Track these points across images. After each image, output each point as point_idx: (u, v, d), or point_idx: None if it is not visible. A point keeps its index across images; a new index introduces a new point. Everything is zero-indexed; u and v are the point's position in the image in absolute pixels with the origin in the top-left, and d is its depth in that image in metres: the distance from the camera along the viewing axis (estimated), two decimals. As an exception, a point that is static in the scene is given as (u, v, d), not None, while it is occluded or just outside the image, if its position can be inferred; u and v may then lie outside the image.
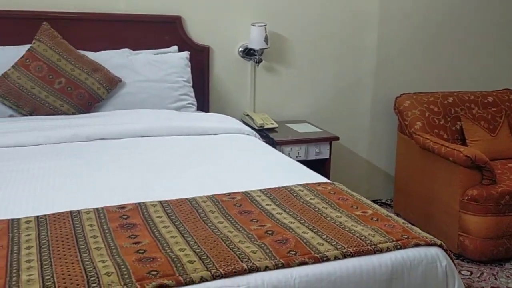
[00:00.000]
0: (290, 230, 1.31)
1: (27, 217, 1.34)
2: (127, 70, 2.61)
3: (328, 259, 1.19)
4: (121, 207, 1.42)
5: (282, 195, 1.55)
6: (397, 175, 3.35)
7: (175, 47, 2.89)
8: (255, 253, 1.18)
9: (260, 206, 1.47)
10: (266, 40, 3.00)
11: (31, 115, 2.38)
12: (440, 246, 1.32)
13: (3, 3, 2.55)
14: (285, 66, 3.21)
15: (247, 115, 3.05)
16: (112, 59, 2.62)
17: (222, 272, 1.11)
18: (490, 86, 3.60)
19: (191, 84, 2.78)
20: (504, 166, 3.04)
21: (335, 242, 1.25)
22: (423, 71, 3.51)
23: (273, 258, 1.17)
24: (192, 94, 2.77)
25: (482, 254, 2.70)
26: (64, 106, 2.42)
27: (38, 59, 2.40)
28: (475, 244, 2.70)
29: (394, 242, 1.27)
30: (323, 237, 1.28)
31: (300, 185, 1.64)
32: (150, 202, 1.46)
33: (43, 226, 1.30)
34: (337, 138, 2.99)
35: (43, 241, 1.22)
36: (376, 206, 1.52)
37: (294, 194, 1.57)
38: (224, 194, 1.55)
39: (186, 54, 2.84)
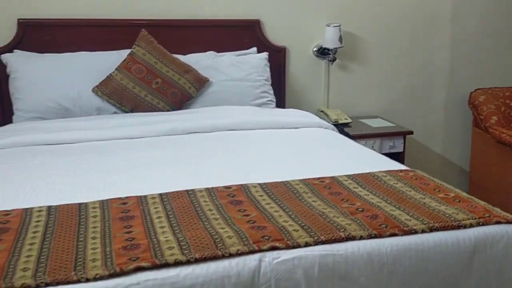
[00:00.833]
0: (379, 208, 1.48)
1: (152, 195, 1.59)
2: (213, 71, 2.86)
3: (416, 232, 1.35)
4: (227, 187, 1.65)
5: (367, 180, 1.71)
6: (472, 170, 3.39)
7: (254, 49, 3.11)
8: (350, 225, 1.36)
9: (348, 189, 1.64)
10: (340, 39, 3.16)
11: (132, 111, 2.68)
12: (521, 224, 1.43)
13: (103, 13, 2.88)
14: (358, 64, 3.35)
15: (321, 111, 3.22)
16: (200, 61, 2.88)
17: (323, 239, 1.29)
18: None
19: (270, 83, 2.99)
20: None
21: (421, 219, 1.40)
22: (498, 66, 3.52)
23: (366, 229, 1.34)
24: (271, 91, 2.98)
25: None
26: (160, 104, 2.70)
27: (138, 62, 2.70)
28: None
29: (477, 219, 1.40)
30: (410, 214, 1.44)
31: (383, 171, 1.79)
32: (251, 184, 1.68)
33: (166, 201, 1.54)
34: (411, 132, 3.09)
35: (169, 213, 1.46)
36: (457, 190, 1.64)
37: (378, 179, 1.72)
38: (314, 178, 1.73)
39: (265, 55, 3.06)
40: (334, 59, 3.24)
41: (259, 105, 2.88)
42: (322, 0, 3.19)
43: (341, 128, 3.01)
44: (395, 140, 3.05)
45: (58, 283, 1.13)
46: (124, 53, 2.76)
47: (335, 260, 1.27)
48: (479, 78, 3.47)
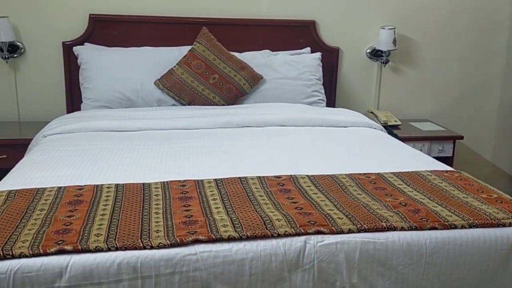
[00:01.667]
0: (421, 203, 1.55)
1: (208, 179, 1.74)
2: (267, 69, 2.98)
3: (455, 227, 1.41)
4: (277, 176, 1.77)
5: (412, 178, 1.78)
6: (523, 178, 3.35)
7: (308, 49, 3.21)
8: (392, 217, 1.45)
9: (392, 185, 1.72)
10: (394, 42, 3.20)
11: (189, 104, 2.85)
12: (561, 227, 1.46)
13: (167, 10, 3.06)
14: (411, 67, 3.38)
15: (371, 112, 3.27)
16: (255, 59, 3.01)
17: (366, 227, 1.39)
18: None
19: (322, 82, 3.08)
20: None
21: (462, 215, 1.47)
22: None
23: (407, 221, 1.42)
24: (323, 91, 3.07)
25: None
26: (216, 98, 2.86)
27: (198, 58, 2.87)
28: None
29: (517, 220, 1.45)
30: (451, 211, 1.50)
31: (429, 171, 1.85)
32: (300, 175, 1.79)
33: (220, 186, 1.68)
34: (461, 137, 3.09)
35: (223, 196, 1.59)
36: (501, 192, 1.68)
37: (423, 178, 1.79)
38: (360, 173, 1.82)
39: (318, 55, 3.15)
40: (387, 61, 3.29)
41: (310, 103, 2.97)
42: (377, 2, 3.25)
43: (390, 129, 3.06)
44: (444, 144, 3.06)
45: (126, 248, 1.28)
46: (185, 49, 2.93)
47: (375, 247, 1.36)
48: (535, 86, 3.42)
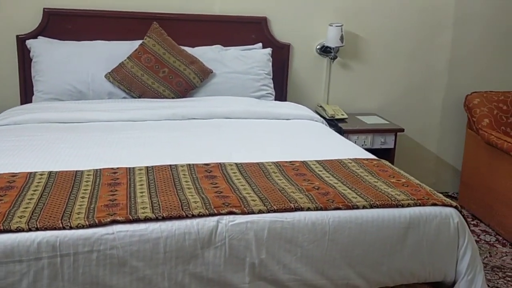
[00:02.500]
0: (333, 187, 1.67)
1: (139, 167, 1.83)
2: (218, 63, 3.08)
3: (357, 207, 1.54)
4: (206, 164, 1.87)
5: (334, 165, 1.91)
6: (464, 170, 3.52)
7: (260, 44, 3.31)
8: (301, 198, 1.56)
9: (312, 171, 1.84)
10: (341, 39, 3.33)
11: (139, 97, 2.92)
12: (455, 207, 1.61)
13: (121, 5, 3.13)
14: (358, 62, 3.52)
15: (320, 106, 3.40)
16: (206, 54, 3.10)
17: (275, 208, 1.50)
18: None
19: (271, 77, 3.19)
20: None
21: (366, 197, 1.59)
22: (496, 71, 3.63)
23: (314, 203, 1.54)
24: (272, 85, 3.18)
25: (538, 246, 2.83)
26: (165, 92, 2.94)
27: (148, 52, 2.95)
28: (531, 235, 2.84)
29: (415, 201, 1.58)
30: (358, 193, 1.63)
31: (351, 159, 1.98)
32: (228, 162, 1.90)
33: (151, 173, 1.78)
34: (402, 130, 3.24)
35: (151, 182, 1.69)
36: (411, 177, 1.82)
37: (344, 165, 1.91)
38: (286, 161, 1.93)
39: (268, 50, 3.25)
40: (335, 57, 3.41)
41: (259, 97, 3.08)
42: (326, 0, 3.37)
43: (336, 123, 3.20)
44: (386, 137, 3.21)
45: (46, 229, 1.37)
46: (136, 44, 3.01)
47: (283, 226, 1.47)
48: (477, 82, 3.59)
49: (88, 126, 2.45)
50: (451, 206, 1.60)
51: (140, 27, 3.07)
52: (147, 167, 1.83)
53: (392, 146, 3.23)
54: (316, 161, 1.94)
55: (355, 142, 3.12)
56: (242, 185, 1.67)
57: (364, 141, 3.17)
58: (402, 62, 3.54)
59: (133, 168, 1.82)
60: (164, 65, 2.95)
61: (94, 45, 3.01)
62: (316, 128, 2.62)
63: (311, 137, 2.40)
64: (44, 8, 3.05)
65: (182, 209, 1.47)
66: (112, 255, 1.38)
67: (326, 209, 1.52)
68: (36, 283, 1.35)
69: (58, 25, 3.07)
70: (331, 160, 1.95)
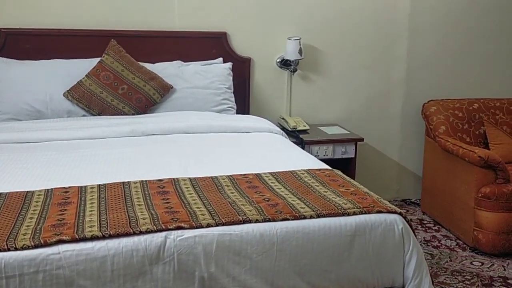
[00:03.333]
0: (283, 198, 1.70)
1: (91, 185, 1.83)
2: (178, 79, 3.10)
3: (304, 217, 1.57)
4: (160, 180, 1.88)
5: (286, 177, 1.94)
6: (424, 176, 3.60)
7: (221, 59, 3.35)
8: (250, 211, 1.59)
9: (265, 183, 1.87)
10: (300, 52, 3.39)
11: (99, 115, 2.92)
12: (400, 214, 1.66)
13: (79, 23, 3.13)
14: (318, 74, 3.58)
15: (283, 118, 3.44)
16: (166, 69, 3.12)
17: (224, 221, 1.52)
18: (520, 93, 3.77)
19: (232, 91, 3.22)
20: (523, 168, 3.22)
21: (314, 207, 1.63)
22: (451, 79, 3.75)
23: (263, 214, 1.57)
24: (233, 99, 3.21)
25: (494, 247, 2.91)
26: (125, 108, 2.94)
27: (106, 70, 2.95)
28: (487, 238, 2.92)
29: (361, 209, 1.62)
30: (306, 203, 1.66)
31: (304, 170, 2.02)
32: (182, 177, 1.91)
33: (102, 191, 1.78)
34: (361, 139, 3.31)
35: (101, 200, 1.69)
36: (361, 186, 1.86)
37: (296, 176, 1.95)
38: (240, 174, 1.96)
39: (229, 65, 3.29)
40: (295, 70, 3.48)
41: (220, 111, 3.11)
42: (285, 15, 3.43)
43: (297, 134, 3.24)
44: (347, 146, 3.27)
45: (-10, 251, 1.35)
46: (95, 61, 3.01)
47: (231, 238, 1.49)
48: (433, 90, 3.70)
49: (45, 146, 2.43)
50: (395, 213, 1.65)
51: (99, 45, 3.07)
52: (99, 185, 1.83)
53: (353, 156, 3.29)
54: (270, 173, 1.97)
55: (316, 153, 3.18)
56: (193, 200, 1.69)
57: (326, 152, 3.23)
58: (361, 73, 3.62)
59: (85, 186, 1.81)
60: (123, 82, 2.95)
61: (52, 64, 3.00)
62: (275, 140, 2.65)
63: (268, 150, 2.44)
64: (1, 29, 3.03)
65: (130, 226, 1.47)
66: (59, 275, 1.37)
67: (274, 220, 1.55)
68: (-18, 306, 1.33)
69: (15, 45, 3.05)
70: (285, 171, 1.99)
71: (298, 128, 3.32)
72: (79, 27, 3.13)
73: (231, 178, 1.92)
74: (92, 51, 3.08)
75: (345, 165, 3.30)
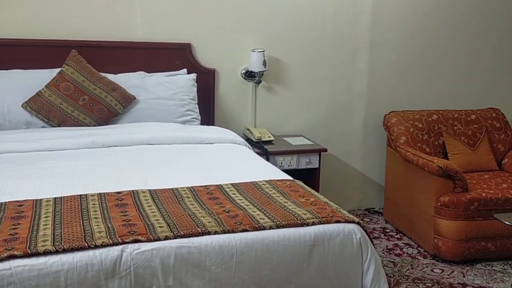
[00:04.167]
0: (243, 209, 1.70)
1: (47, 198, 1.78)
2: (141, 90, 3.06)
3: (264, 228, 1.57)
4: (118, 192, 1.85)
5: (248, 188, 1.94)
6: (386, 186, 3.67)
7: (185, 70, 3.34)
8: (210, 222, 1.58)
9: (226, 194, 1.86)
10: (264, 63, 3.42)
11: (59, 126, 2.85)
12: (358, 223, 1.68)
13: (39, 33, 3.07)
14: (282, 86, 3.62)
15: (248, 129, 3.45)
16: (129, 80, 3.08)
17: (182, 233, 1.50)
18: (478, 105, 3.90)
19: (196, 102, 3.21)
20: (480, 177, 3.32)
21: (273, 218, 1.63)
22: (411, 91, 3.85)
23: (222, 226, 1.56)
24: (197, 110, 3.20)
25: (454, 255, 2.98)
26: (86, 119, 2.89)
27: (66, 80, 2.89)
28: (447, 245, 2.99)
29: (320, 219, 1.64)
30: (266, 214, 1.66)
31: (266, 181, 2.02)
32: (142, 189, 1.88)
33: (58, 204, 1.73)
34: (325, 150, 3.35)
35: (57, 213, 1.65)
36: (321, 196, 1.88)
37: (258, 187, 1.95)
38: (201, 186, 1.95)
39: (193, 76, 3.29)
40: (259, 82, 3.50)
41: (184, 122, 3.09)
42: (249, 27, 3.46)
43: (261, 145, 3.25)
44: (311, 157, 3.30)
45: None
46: (55, 72, 2.95)
47: (190, 251, 1.48)
48: (394, 102, 3.79)
49: (2, 158, 2.36)
50: (353, 222, 1.67)
51: (60, 56, 3.02)
52: (55, 198, 1.78)
53: (317, 166, 3.32)
54: (231, 184, 1.97)
55: (281, 164, 3.20)
56: (152, 212, 1.66)
57: (290, 162, 3.25)
58: (324, 85, 3.68)
59: (41, 200, 1.76)
60: (84, 93, 2.90)
61: (9, 74, 2.93)
62: (238, 151, 2.65)
63: (230, 161, 2.43)
64: (-43, 38, 2.94)
65: (85, 240, 1.44)
66: (9, 292, 1.32)
67: (233, 231, 1.54)
68: None
69: (-28, 54, 2.96)
70: (246, 182, 1.98)
71: (263, 139, 3.34)
72: (39, 37, 3.07)
73: (192, 189, 1.90)
74: (52, 62, 3.02)
75: (310, 176, 3.33)
